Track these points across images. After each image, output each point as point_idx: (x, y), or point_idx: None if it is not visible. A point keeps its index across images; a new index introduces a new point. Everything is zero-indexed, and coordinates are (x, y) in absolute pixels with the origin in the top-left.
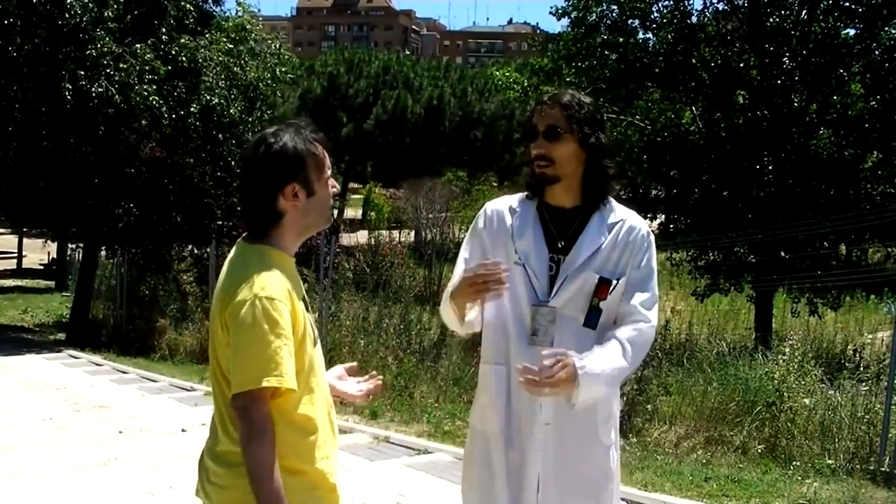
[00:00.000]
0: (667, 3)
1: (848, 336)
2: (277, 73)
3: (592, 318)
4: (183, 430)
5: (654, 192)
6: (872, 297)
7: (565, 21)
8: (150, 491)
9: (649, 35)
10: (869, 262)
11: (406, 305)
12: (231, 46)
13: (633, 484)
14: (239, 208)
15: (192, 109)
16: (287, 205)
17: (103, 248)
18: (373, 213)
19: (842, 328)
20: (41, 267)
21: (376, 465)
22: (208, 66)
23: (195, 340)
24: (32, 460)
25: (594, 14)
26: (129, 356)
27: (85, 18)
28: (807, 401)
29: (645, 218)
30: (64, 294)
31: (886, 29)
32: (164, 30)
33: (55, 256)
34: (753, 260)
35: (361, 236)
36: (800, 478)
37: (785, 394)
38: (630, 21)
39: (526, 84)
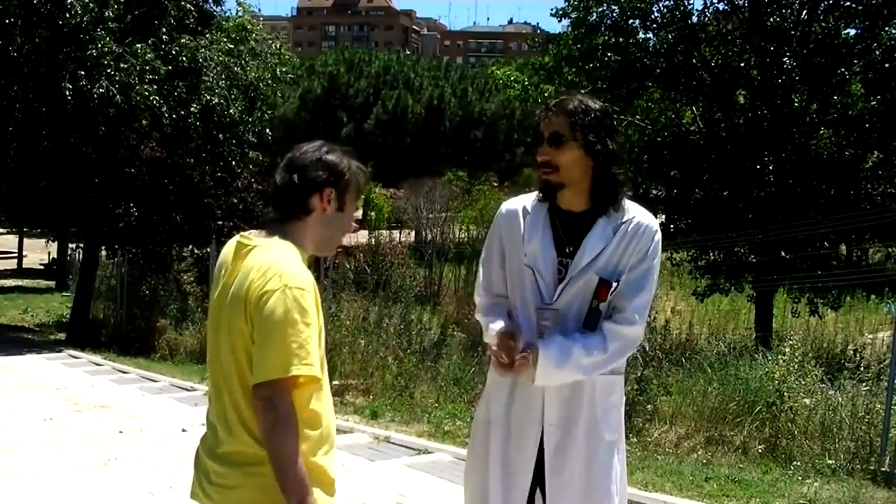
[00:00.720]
0: (667, 2)
1: (848, 336)
2: (278, 73)
3: (592, 319)
4: (183, 430)
5: (654, 192)
6: (873, 297)
7: (566, 21)
8: (151, 491)
9: (650, 35)
10: (869, 262)
11: (406, 305)
12: (231, 46)
13: (633, 484)
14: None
15: (192, 109)
16: (319, 205)
17: (103, 248)
18: (373, 213)
19: (842, 328)
20: (41, 267)
21: (376, 465)
22: (208, 66)
23: (195, 340)
24: (33, 460)
25: (594, 14)
26: (129, 356)
27: (85, 18)
28: (807, 401)
29: None
30: (64, 294)
31: (887, 29)
32: (164, 30)
33: (55, 256)
34: (754, 260)
35: (362, 236)
36: (800, 478)
37: (785, 394)
38: (630, 21)
39: (526, 83)
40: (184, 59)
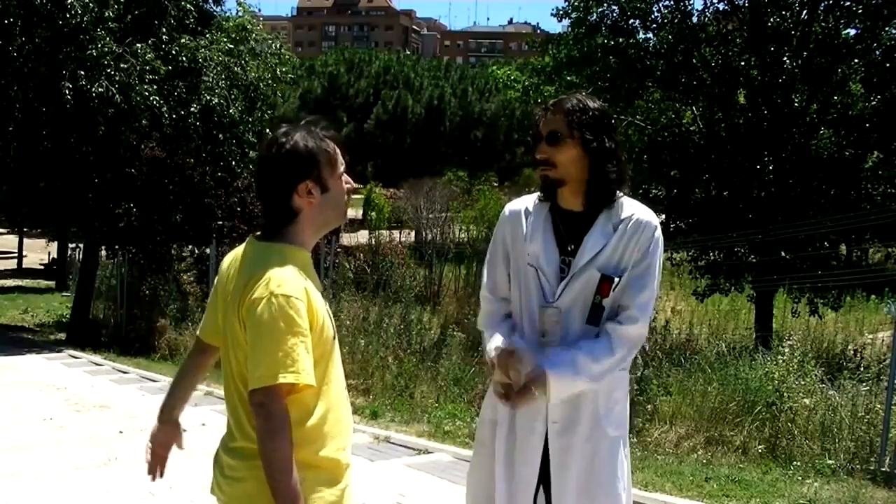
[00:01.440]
0: (667, 3)
1: (848, 336)
2: (278, 73)
3: (595, 315)
4: (183, 430)
5: (654, 191)
6: (873, 297)
7: (566, 21)
8: (151, 491)
9: (650, 35)
10: (869, 262)
11: (406, 305)
12: (231, 46)
13: (633, 484)
14: (239, 210)
15: (192, 109)
16: (302, 202)
17: (103, 247)
18: (373, 213)
19: (842, 328)
20: (41, 267)
21: (376, 465)
22: (208, 66)
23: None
24: (33, 460)
25: (594, 14)
26: (129, 356)
27: (85, 18)
28: (807, 401)
29: None
30: (64, 294)
31: (887, 29)
32: (164, 30)
33: (55, 256)
34: (754, 260)
35: (362, 236)
36: (800, 478)
37: (785, 394)
38: (630, 21)
39: (527, 84)
40: (184, 59)
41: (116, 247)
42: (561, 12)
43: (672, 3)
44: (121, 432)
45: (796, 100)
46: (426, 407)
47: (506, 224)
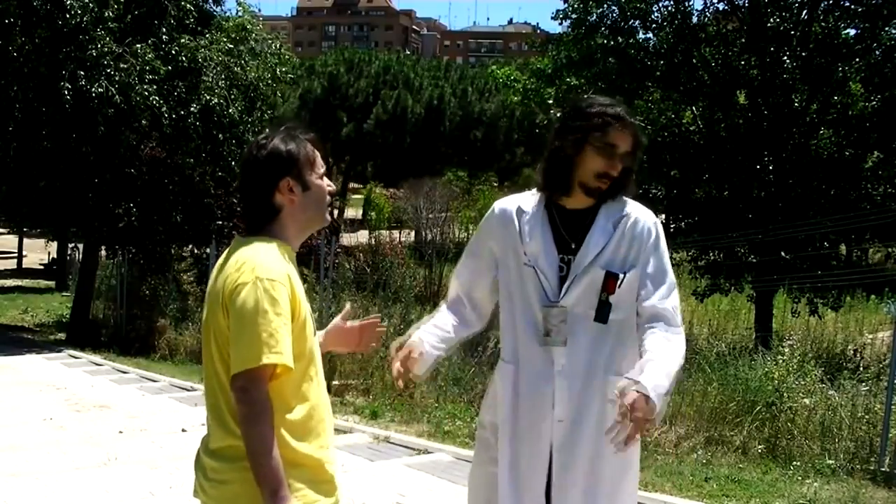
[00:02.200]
0: (667, 3)
1: (848, 336)
2: (278, 72)
3: (603, 312)
4: (183, 430)
5: (654, 191)
6: (873, 297)
7: (566, 23)
8: (151, 491)
9: (650, 35)
10: (869, 262)
11: (406, 305)
12: (231, 46)
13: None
14: (239, 209)
15: (192, 109)
16: (284, 199)
17: (103, 247)
18: (373, 213)
19: (842, 328)
20: (41, 267)
21: (376, 465)
22: (208, 66)
23: (195, 340)
24: (32, 460)
25: (594, 15)
26: (129, 356)
27: (85, 18)
28: (807, 401)
29: None
30: (64, 294)
31: (887, 29)
32: (164, 30)
33: (55, 256)
34: (754, 260)
35: (362, 236)
36: (800, 478)
37: (785, 394)
38: (630, 21)
39: (527, 85)
40: (184, 59)
41: (116, 247)
42: (561, 14)
43: (672, 3)
44: (121, 432)
45: (796, 100)
46: (426, 407)
47: (495, 223)
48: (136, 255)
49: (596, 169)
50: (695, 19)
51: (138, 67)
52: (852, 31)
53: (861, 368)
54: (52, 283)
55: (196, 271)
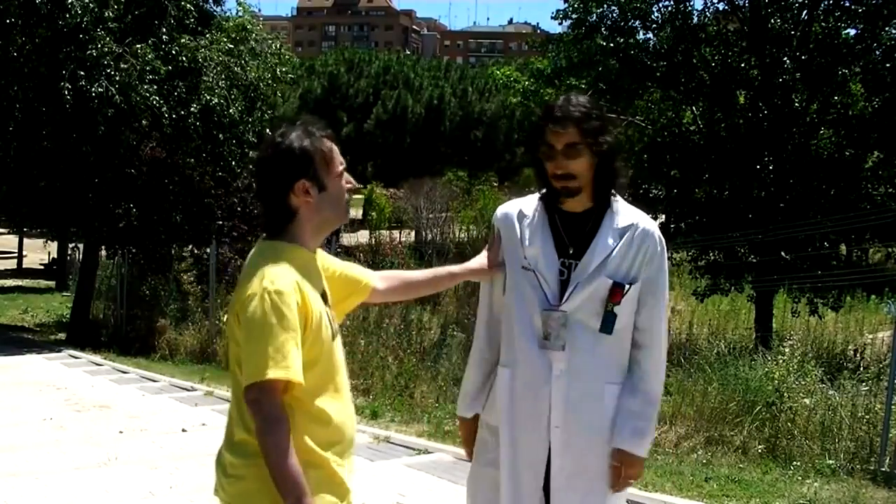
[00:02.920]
0: (667, 3)
1: (848, 336)
2: (278, 72)
3: (608, 323)
4: (183, 430)
5: (654, 192)
6: (873, 297)
7: (567, 23)
8: (151, 491)
9: (650, 35)
10: (869, 262)
11: (406, 305)
12: (231, 46)
13: (633, 484)
14: (241, 209)
15: (192, 109)
16: (299, 201)
17: (103, 247)
18: (373, 213)
19: (842, 328)
20: (41, 267)
21: (376, 465)
22: (208, 66)
23: (195, 340)
24: (32, 460)
25: (594, 15)
26: (129, 356)
27: (85, 18)
28: (807, 401)
29: None
30: (64, 294)
31: (887, 29)
32: (164, 30)
33: (55, 256)
34: (754, 260)
35: (362, 236)
36: (800, 478)
37: (785, 394)
38: (630, 22)
39: (526, 86)
40: (184, 59)
41: (116, 247)
42: (561, 14)
43: (672, 3)
44: (121, 432)
45: (796, 100)
46: (426, 407)
47: (499, 228)
48: (136, 255)
49: (549, 171)
50: (695, 19)
51: (138, 67)
52: (853, 31)
53: (861, 368)
54: (52, 283)
55: (196, 271)
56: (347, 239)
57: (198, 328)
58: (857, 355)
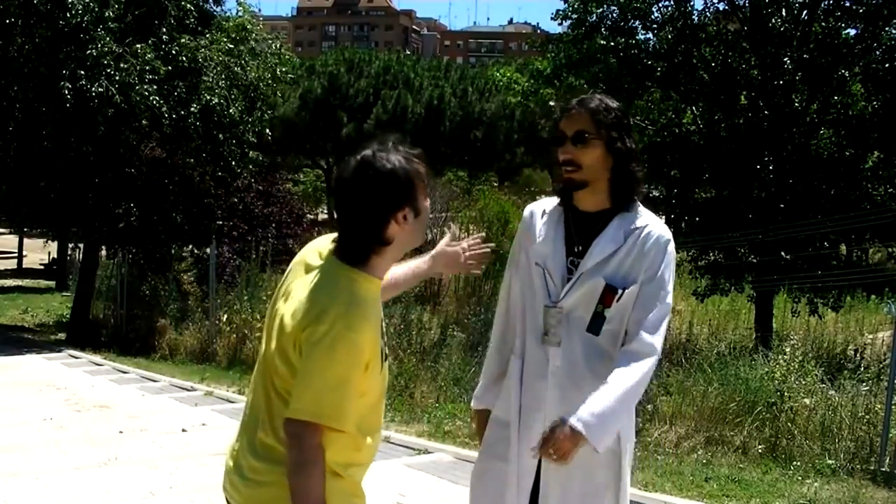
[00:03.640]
0: (667, 3)
1: (848, 336)
2: (278, 72)
3: (595, 324)
4: (183, 430)
5: (654, 192)
6: (873, 297)
7: (566, 23)
8: (151, 491)
9: (650, 35)
10: (870, 262)
11: (406, 305)
12: (231, 46)
13: (633, 484)
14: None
15: (192, 109)
16: (397, 230)
17: (104, 247)
18: None
19: (842, 328)
20: (41, 267)
21: (376, 465)
22: (208, 66)
23: (195, 340)
24: (32, 460)
25: (594, 15)
26: (129, 356)
27: (86, 18)
28: (807, 401)
29: None
30: (64, 294)
31: (887, 29)
32: (164, 30)
33: (55, 256)
34: (754, 260)
35: None
36: (800, 478)
37: (785, 394)
38: (630, 22)
39: (526, 87)
40: (184, 59)
41: (116, 247)
42: (561, 14)
43: (672, 3)
44: (121, 432)
45: (796, 100)
46: (426, 407)
47: (522, 229)
48: (136, 255)
49: (558, 159)
50: (695, 19)
51: (138, 67)
52: (853, 31)
53: (861, 368)
54: (52, 283)
55: (196, 271)
56: None
57: (198, 328)
58: (857, 355)
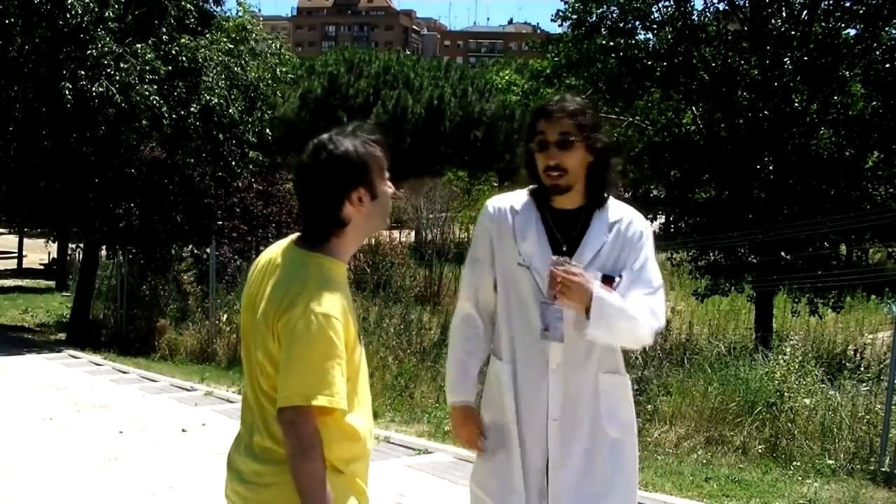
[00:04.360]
0: (667, 3)
1: (848, 336)
2: (278, 73)
3: None
4: (183, 430)
5: (654, 192)
6: (873, 297)
7: (566, 23)
8: (151, 491)
9: (649, 35)
10: (869, 262)
11: (406, 305)
12: (231, 46)
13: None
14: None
15: (192, 109)
16: (353, 210)
17: (104, 247)
18: None
19: (842, 328)
20: (41, 267)
21: (376, 465)
22: (208, 66)
23: (195, 340)
24: (32, 460)
25: (594, 16)
26: (129, 356)
27: (86, 18)
28: (807, 401)
29: (646, 218)
30: (64, 294)
31: (887, 29)
32: (164, 30)
33: (55, 256)
34: (754, 260)
35: None
36: (800, 478)
37: (785, 394)
38: (630, 22)
39: (526, 87)
40: (184, 59)
41: (116, 247)
42: (560, 15)
43: (672, 3)
44: (121, 432)
45: (796, 100)
46: (426, 407)
47: (489, 223)
48: (136, 255)
49: (540, 164)
50: (695, 19)
51: (138, 67)
52: (853, 31)
53: (861, 369)
54: (52, 283)
55: (196, 271)
56: None
57: (198, 328)
58: (857, 355)
